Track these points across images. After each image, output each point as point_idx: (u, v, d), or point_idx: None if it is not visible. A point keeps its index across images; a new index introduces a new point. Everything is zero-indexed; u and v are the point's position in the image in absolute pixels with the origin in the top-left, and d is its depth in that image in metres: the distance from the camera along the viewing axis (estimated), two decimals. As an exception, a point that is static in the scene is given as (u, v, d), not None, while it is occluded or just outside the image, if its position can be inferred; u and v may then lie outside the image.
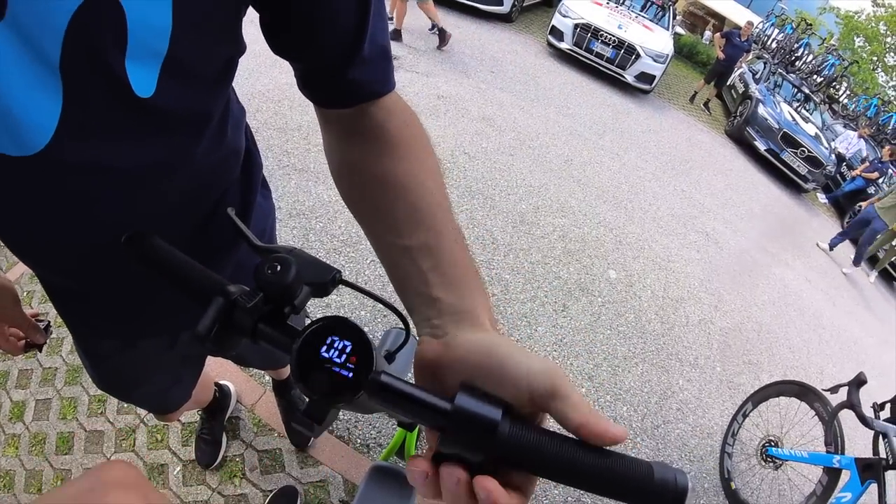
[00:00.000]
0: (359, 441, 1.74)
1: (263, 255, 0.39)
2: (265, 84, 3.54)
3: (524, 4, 8.01)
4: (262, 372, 1.78)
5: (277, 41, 0.47)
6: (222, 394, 1.61)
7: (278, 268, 0.37)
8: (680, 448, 2.30)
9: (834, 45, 13.81)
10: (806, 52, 12.27)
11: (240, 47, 0.48)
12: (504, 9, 7.18)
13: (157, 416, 1.11)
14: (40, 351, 0.87)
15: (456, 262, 0.42)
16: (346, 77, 0.46)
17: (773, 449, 2.21)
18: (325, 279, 0.39)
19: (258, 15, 0.45)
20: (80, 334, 0.75)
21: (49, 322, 0.86)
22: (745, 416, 2.35)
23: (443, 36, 5.45)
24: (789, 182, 7.38)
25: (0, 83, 0.33)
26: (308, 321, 0.36)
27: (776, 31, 12.96)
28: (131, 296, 0.61)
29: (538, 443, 0.30)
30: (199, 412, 1.58)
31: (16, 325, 0.79)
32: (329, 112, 0.50)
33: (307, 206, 2.63)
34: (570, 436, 0.31)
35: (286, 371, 1.58)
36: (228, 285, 0.40)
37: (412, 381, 0.36)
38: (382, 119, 0.49)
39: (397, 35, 5.41)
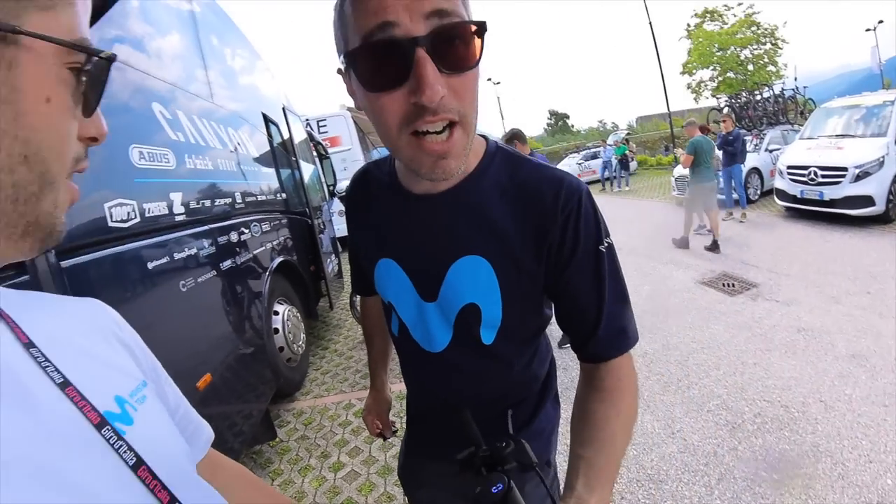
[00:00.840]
0: None
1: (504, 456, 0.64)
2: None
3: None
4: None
5: (557, 317, 0.85)
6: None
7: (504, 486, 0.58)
8: None
9: None
10: None
11: (545, 319, 0.89)
12: (878, 208, 6.12)
13: None
14: (385, 440, 1.33)
15: (599, 475, 0.66)
16: (588, 347, 0.79)
17: None
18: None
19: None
20: (410, 434, 1.11)
21: (398, 428, 1.28)
22: None
23: (714, 246, 5.75)
24: None
25: (430, 325, 0.83)
26: None
27: None
28: (446, 436, 0.89)
29: None
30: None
31: (380, 420, 1.25)
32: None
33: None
34: None
35: None
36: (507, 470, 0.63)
37: None
38: (604, 375, 0.78)
39: (715, 246, 5.90)
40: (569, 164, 20.25)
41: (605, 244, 0.76)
